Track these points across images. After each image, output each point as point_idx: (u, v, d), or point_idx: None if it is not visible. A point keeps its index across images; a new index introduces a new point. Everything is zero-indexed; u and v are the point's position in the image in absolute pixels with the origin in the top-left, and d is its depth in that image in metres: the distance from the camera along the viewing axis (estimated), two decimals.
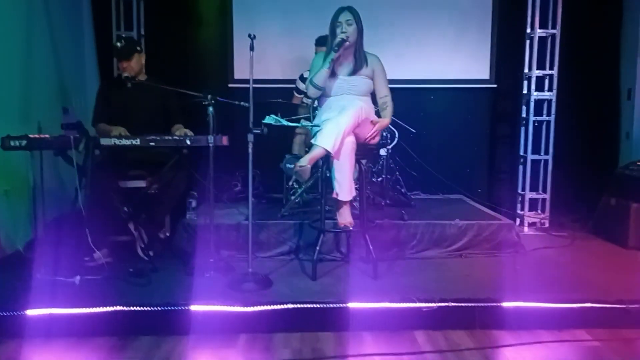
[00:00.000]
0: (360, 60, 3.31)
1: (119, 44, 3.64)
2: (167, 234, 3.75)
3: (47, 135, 3.13)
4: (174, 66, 4.65)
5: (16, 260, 3.37)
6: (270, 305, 2.66)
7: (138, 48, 3.67)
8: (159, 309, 2.63)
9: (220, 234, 3.56)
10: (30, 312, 2.56)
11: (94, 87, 4.12)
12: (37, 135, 3.11)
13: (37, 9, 3.84)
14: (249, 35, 3.02)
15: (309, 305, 2.68)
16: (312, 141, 3.10)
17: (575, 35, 4.68)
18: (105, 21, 4.70)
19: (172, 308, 2.63)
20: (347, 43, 3.22)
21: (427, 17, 4.93)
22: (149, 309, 2.62)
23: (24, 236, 3.63)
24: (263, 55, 4.46)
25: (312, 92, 3.34)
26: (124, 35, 4.60)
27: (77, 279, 2.93)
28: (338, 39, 3.21)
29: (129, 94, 3.60)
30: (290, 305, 2.67)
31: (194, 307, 2.63)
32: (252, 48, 3.04)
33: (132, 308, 2.62)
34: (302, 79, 4.42)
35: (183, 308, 2.63)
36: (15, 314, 2.56)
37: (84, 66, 4.57)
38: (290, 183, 4.11)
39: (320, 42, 4.30)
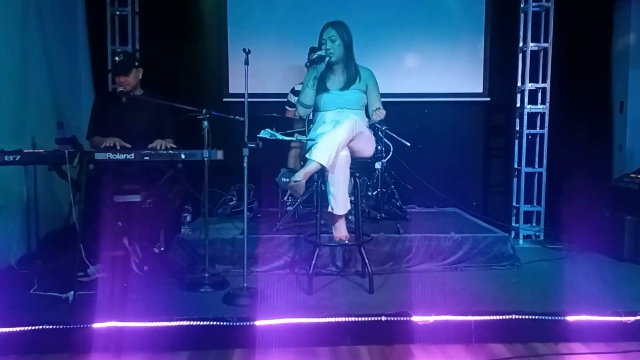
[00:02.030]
0: (351, 74, 3.34)
1: (117, 59, 3.63)
2: (162, 249, 3.74)
3: (41, 150, 3.12)
4: (169, 81, 4.65)
5: (9, 275, 3.34)
6: (265, 320, 2.65)
7: (136, 63, 3.67)
8: (154, 324, 2.60)
9: (215, 248, 3.55)
10: (23, 329, 2.54)
11: (89, 101, 4.12)
12: (31, 150, 3.10)
13: (31, 24, 3.85)
14: (244, 50, 3.04)
15: (304, 320, 2.67)
16: (307, 155, 3.11)
17: (567, 48, 4.73)
18: (100, 36, 4.71)
19: (167, 324, 2.61)
20: (328, 59, 3.27)
21: (420, 31, 4.98)
22: (143, 324, 2.60)
23: (18, 251, 3.60)
24: (258, 70, 4.47)
25: (302, 111, 3.42)
26: (119, 50, 4.61)
27: (70, 294, 2.91)
28: (315, 56, 3.27)
29: (124, 109, 3.60)
30: (286, 320, 2.65)
31: (189, 323, 2.61)
32: (246, 62, 3.05)
33: (126, 324, 2.59)
34: (294, 92, 4.45)
35: (178, 324, 2.61)
36: (8, 330, 2.53)
37: (79, 81, 4.58)
38: (286, 198, 4.11)
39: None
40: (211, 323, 2.62)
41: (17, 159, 2.99)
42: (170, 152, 3.23)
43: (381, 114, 3.24)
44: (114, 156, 3.10)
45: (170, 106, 3.41)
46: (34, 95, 3.85)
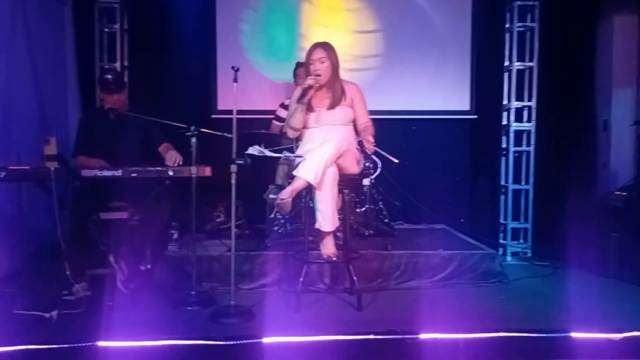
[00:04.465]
0: (337, 93, 3.34)
1: (110, 77, 3.59)
2: (148, 266, 3.69)
3: (27, 167, 3.08)
4: (157, 97, 4.63)
5: None
6: (252, 339, 2.62)
7: (125, 81, 3.67)
8: (140, 344, 2.56)
9: (203, 265, 3.53)
10: (5, 349, 2.49)
11: (76, 118, 4.10)
12: (16, 167, 3.06)
13: (18, 39, 3.83)
14: (233, 68, 3.05)
15: (292, 339, 2.64)
16: (294, 172, 3.11)
17: (552, 67, 4.79)
18: (88, 52, 4.70)
19: (154, 343, 2.57)
20: (317, 84, 3.27)
21: (408, 49, 5.02)
22: (130, 344, 2.56)
23: (1, 269, 3.54)
24: (246, 86, 4.48)
25: (290, 133, 3.41)
26: (107, 67, 4.60)
27: (54, 313, 2.86)
28: (305, 85, 3.25)
29: (112, 125, 3.59)
30: (273, 339, 2.63)
31: (176, 342, 2.58)
32: (235, 80, 3.05)
33: (112, 344, 2.56)
34: (284, 106, 4.46)
35: (165, 343, 2.57)
36: None
37: (66, 97, 4.55)
38: (273, 214, 4.09)
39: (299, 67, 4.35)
40: (198, 342, 2.59)
41: (2, 175, 2.95)
42: (158, 168, 3.21)
43: (370, 146, 3.20)
44: (101, 173, 3.08)
45: (158, 122, 3.40)
46: (20, 110, 3.82)
